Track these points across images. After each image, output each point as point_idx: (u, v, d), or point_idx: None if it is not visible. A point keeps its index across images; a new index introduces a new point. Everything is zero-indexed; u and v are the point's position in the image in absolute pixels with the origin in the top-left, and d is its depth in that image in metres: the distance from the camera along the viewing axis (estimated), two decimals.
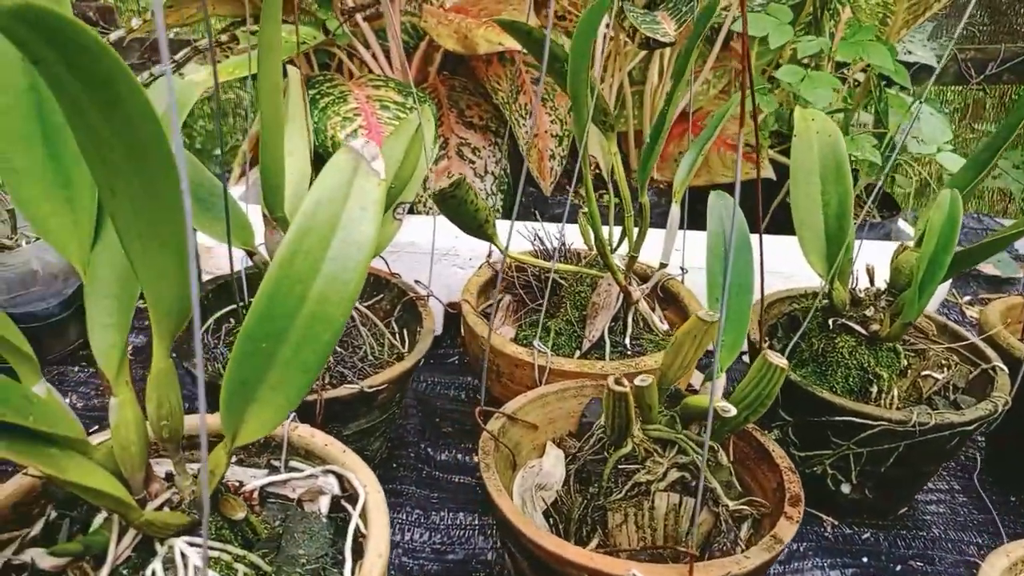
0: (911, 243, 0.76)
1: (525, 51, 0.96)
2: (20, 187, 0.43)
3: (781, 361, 0.57)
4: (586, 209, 0.80)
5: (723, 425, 0.62)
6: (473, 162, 1.04)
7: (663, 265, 0.76)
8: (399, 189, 0.74)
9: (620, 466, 0.61)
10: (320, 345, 0.44)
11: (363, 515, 0.53)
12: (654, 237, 0.82)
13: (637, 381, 0.56)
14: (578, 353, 0.77)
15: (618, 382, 0.54)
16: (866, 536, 0.78)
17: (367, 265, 0.45)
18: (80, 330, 1.02)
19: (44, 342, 0.97)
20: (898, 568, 0.75)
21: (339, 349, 0.75)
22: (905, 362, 0.74)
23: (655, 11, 0.83)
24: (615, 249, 0.82)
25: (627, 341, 0.77)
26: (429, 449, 0.86)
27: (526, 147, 0.98)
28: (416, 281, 0.83)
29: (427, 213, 1.02)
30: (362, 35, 1.03)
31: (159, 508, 0.49)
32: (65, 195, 0.45)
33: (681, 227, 0.79)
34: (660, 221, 0.86)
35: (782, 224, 1.05)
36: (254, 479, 0.58)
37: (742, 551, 0.60)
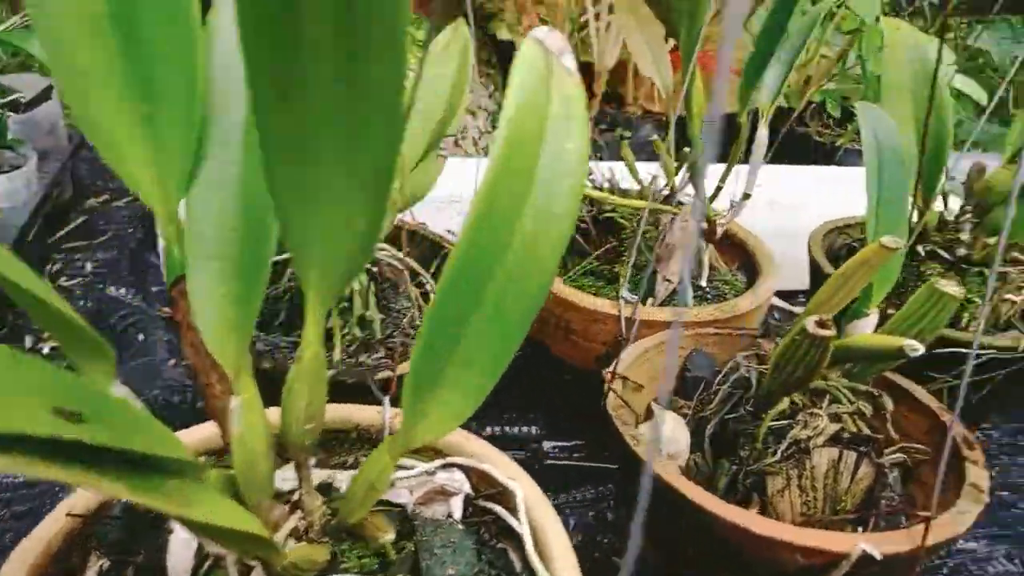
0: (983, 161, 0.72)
1: None
2: (88, 97, 0.29)
3: (954, 289, 0.51)
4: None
5: (874, 366, 0.56)
6: None
7: (747, 196, 0.67)
8: (448, 119, 0.61)
9: (770, 423, 0.53)
10: (527, 301, 0.33)
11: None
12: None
13: (811, 326, 0.48)
14: (652, 300, 0.68)
15: (822, 324, 0.45)
16: None
17: (580, 194, 0.34)
18: None
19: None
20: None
21: (383, 316, 0.62)
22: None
23: None
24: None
25: (704, 284, 0.69)
26: (472, 423, 0.75)
27: None
28: (450, 231, 0.71)
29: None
30: None
31: (285, 540, 0.36)
32: (143, 111, 0.31)
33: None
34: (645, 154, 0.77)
35: (792, 155, 1.00)
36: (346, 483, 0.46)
37: (902, 504, 0.55)
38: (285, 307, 0.60)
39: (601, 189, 0.70)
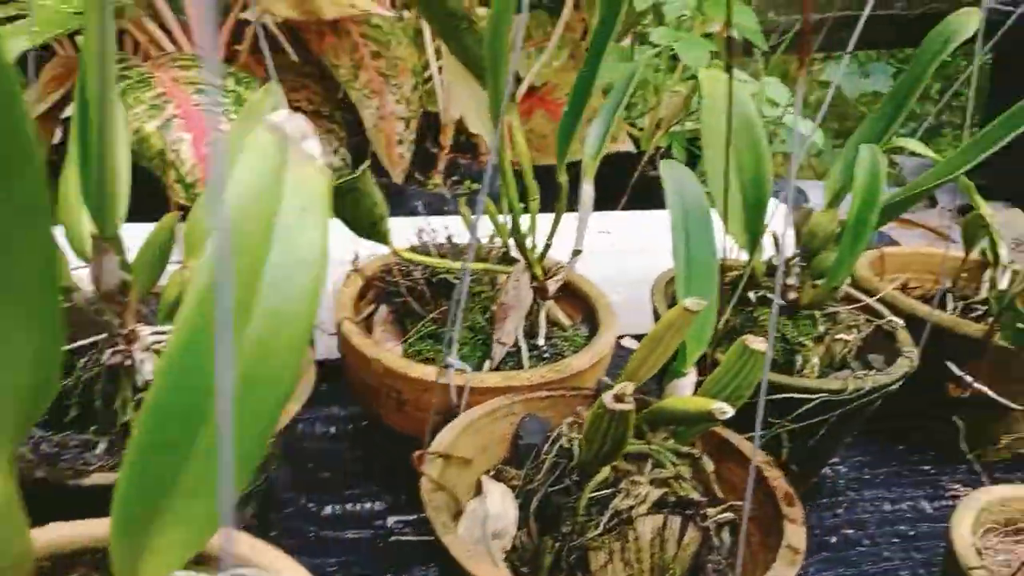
0: (808, 205, 0.73)
1: (363, 20, 0.82)
2: None
3: (761, 345, 0.51)
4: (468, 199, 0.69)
5: (694, 427, 0.55)
6: None
7: (577, 252, 0.67)
8: None
9: (592, 494, 0.51)
10: (262, 419, 0.30)
11: None
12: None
13: (609, 401, 0.46)
14: (488, 364, 0.66)
15: (619, 398, 0.44)
16: None
17: (319, 291, 0.31)
18: None
19: None
20: (834, 539, 0.73)
21: None
22: (822, 328, 0.72)
23: None
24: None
25: (541, 343, 0.68)
26: (310, 504, 0.71)
27: (373, 131, 0.85)
28: None
29: None
30: (151, 5, 0.83)
31: None
32: None
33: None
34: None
35: (643, 199, 1.01)
36: None
37: (729, 567, 0.54)
38: (76, 400, 0.55)
39: (420, 249, 0.68)
